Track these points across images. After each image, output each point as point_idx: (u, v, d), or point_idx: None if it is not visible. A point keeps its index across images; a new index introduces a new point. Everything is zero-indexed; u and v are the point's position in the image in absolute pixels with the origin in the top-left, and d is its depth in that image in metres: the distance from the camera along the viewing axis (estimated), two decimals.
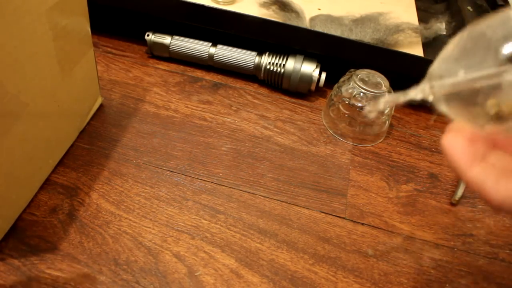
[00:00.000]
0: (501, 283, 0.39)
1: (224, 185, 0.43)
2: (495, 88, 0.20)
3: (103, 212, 0.38)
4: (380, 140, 0.51)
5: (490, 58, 0.21)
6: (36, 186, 0.39)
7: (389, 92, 0.48)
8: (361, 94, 0.48)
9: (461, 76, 0.21)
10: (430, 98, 0.22)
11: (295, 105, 0.54)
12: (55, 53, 0.36)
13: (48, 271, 0.34)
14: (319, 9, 0.60)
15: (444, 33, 0.61)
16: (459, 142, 0.22)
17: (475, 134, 0.22)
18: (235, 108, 0.52)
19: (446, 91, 0.22)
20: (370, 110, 0.25)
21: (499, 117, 0.21)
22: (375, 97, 0.48)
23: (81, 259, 0.35)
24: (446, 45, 0.23)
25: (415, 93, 0.23)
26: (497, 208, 0.20)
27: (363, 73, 0.49)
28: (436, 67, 0.22)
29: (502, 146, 0.23)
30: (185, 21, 0.54)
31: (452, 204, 0.45)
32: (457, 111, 0.22)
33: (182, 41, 0.55)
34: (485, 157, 0.22)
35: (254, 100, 0.54)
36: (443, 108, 0.22)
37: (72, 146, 0.44)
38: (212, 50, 0.55)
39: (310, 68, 0.52)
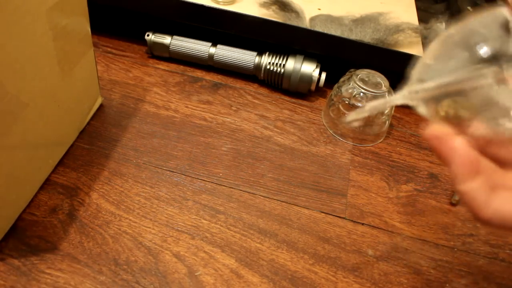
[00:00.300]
0: (501, 283, 0.39)
1: (224, 185, 0.43)
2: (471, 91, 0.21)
3: (103, 212, 0.38)
4: (380, 140, 0.51)
5: (467, 61, 0.21)
6: (36, 186, 0.39)
7: (389, 92, 0.48)
8: (361, 94, 0.48)
9: (441, 80, 0.21)
10: (412, 103, 0.22)
11: (295, 105, 0.54)
12: (55, 53, 0.36)
13: (48, 271, 0.34)
14: (319, 9, 0.60)
15: None
16: (463, 149, 0.21)
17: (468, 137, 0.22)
18: (235, 108, 0.52)
19: (426, 95, 0.22)
20: (353, 119, 0.24)
21: (445, 118, 0.22)
22: (375, 97, 0.48)
23: (81, 259, 0.35)
24: (427, 48, 0.23)
25: (397, 99, 0.23)
26: (484, 223, 0.20)
27: (363, 73, 0.49)
28: (416, 72, 0.23)
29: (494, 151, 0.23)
30: (185, 21, 0.54)
31: (452, 204, 0.45)
32: (433, 113, 0.23)
33: (182, 41, 0.55)
34: (479, 168, 0.22)
35: (254, 100, 0.54)
36: (422, 110, 0.23)
37: (72, 146, 0.44)
38: (212, 50, 0.55)
39: (310, 68, 0.52)
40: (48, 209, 0.38)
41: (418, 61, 0.23)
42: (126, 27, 0.60)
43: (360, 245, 0.39)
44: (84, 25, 0.40)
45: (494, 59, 0.20)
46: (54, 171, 0.41)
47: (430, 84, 0.22)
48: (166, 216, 0.39)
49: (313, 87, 0.53)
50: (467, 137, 0.22)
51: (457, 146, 0.21)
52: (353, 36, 0.54)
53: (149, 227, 0.38)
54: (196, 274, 0.35)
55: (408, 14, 0.61)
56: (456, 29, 0.23)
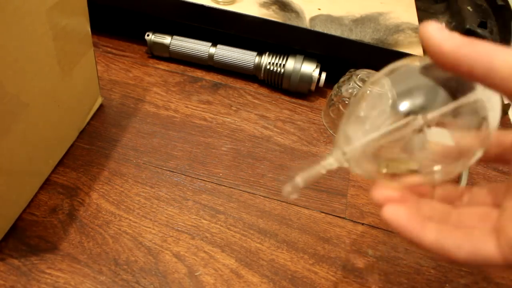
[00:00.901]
0: (501, 283, 0.39)
1: (224, 185, 0.43)
2: (397, 144, 0.21)
3: (103, 212, 0.38)
4: None
5: (389, 115, 0.21)
6: (36, 186, 0.39)
7: (390, 92, 0.48)
8: None
9: (368, 136, 0.21)
10: (346, 165, 0.22)
11: (295, 105, 0.54)
12: (55, 53, 0.36)
13: (48, 271, 0.34)
14: (319, 9, 0.60)
15: None
16: (401, 211, 0.21)
17: (402, 190, 0.22)
18: (235, 108, 0.52)
19: (357, 154, 0.22)
20: (290, 192, 0.23)
21: (390, 175, 0.22)
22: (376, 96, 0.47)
23: (81, 259, 0.35)
24: (348, 108, 0.23)
25: (330, 163, 0.22)
26: (463, 265, 0.20)
27: (363, 73, 0.49)
28: (342, 133, 0.23)
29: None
30: (185, 21, 0.54)
31: None
32: (369, 172, 0.22)
33: (182, 41, 0.55)
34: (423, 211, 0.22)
35: (254, 100, 0.54)
36: (357, 171, 0.23)
37: (72, 146, 0.44)
38: (212, 50, 0.55)
39: (310, 68, 0.52)
40: (48, 209, 0.38)
41: (341, 123, 0.23)
42: (126, 27, 0.60)
43: (360, 245, 0.39)
44: (84, 25, 0.40)
45: (416, 109, 0.20)
46: (54, 171, 0.41)
47: (356, 143, 0.22)
48: (166, 216, 0.39)
49: (313, 87, 0.53)
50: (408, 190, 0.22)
51: (394, 211, 0.21)
52: (353, 36, 0.54)
53: (149, 227, 0.38)
54: (196, 274, 0.35)
55: (408, 14, 0.61)
56: (372, 86, 0.23)
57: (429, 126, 0.20)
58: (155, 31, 0.56)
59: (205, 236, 0.38)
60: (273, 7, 0.56)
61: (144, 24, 0.57)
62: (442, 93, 0.20)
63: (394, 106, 0.21)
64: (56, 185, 0.40)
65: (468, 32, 0.57)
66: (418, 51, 0.55)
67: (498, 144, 0.23)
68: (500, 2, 0.61)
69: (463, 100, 0.20)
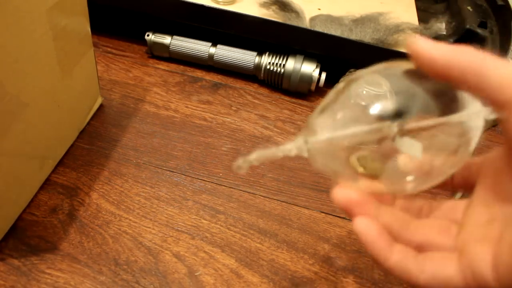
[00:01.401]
0: None
1: (224, 185, 0.43)
2: (365, 146, 0.20)
3: (103, 212, 0.38)
4: None
5: (362, 115, 0.20)
6: (36, 186, 0.39)
7: (390, 92, 0.48)
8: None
9: (336, 133, 0.20)
10: (305, 154, 0.21)
11: (295, 105, 0.54)
12: (55, 53, 0.36)
13: (48, 271, 0.34)
14: (319, 9, 0.60)
15: (444, 33, 0.61)
16: (372, 227, 0.20)
17: (364, 195, 0.21)
18: (235, 108, 0.52)
19: (320, 147, 0.21)
20: (240, 166, 0.22)
21: (364, 175, 0.21)
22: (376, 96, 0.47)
23: (81, 259, 0.35)
24: (325, 97, 0.22)
25: (289, 149, 0.21)
26: None
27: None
28: (312, 121, 0.22)
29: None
30: (185, 21, 0.54)
31: None
32: (330, 169, 0.22)
33: (182, 41, 0.55)
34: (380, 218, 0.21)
35: (254, 100, 0.54)
36: (317, 165, 0.22)
37: (72, 146, 0.44)
38: (212, 50, 0.55)
39: (310, 68, 0.52)
40: (48, 209, 0.38)
41: (315, 111, 0.22)
42: (126, 27, 0.60)
43: (360, 245, 0.39)
44: (84, 25, 0.40)
45: (393, 115, 0.20)
46: (54, 171, 0.41)
47: (321, 136, 0.21)
48: (166, 216, 0.39)
49: (313, 87, 0.53)
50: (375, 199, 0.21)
51: (367, 225, 0.20)
52: (353, 36, 0.54)
53: (149, 227, 0.38)
54: (196, 274, 0.35)
55: (408, 14, 0.61)
56: (352, 82, 0.22)
57: (404, 135, 0.19)
58: (155, 31, 0.56)
59: (205, 236, 0.38)
60: (273, 7, 0.56)
61: (144, 24, 0.57)
62: (425, 103, 0.20)
63: (372, 108, 0.20)
64: (56, 185, 0.40)
65: (468, 32, 0.57)
66: None
67: (465, 168, 0.23)
68: (500, 2, 0.60)
69: (447, 119, 0.19)
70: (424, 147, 0.20)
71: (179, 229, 0.38)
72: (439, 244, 0.21)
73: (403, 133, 0.19)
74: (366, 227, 0.20)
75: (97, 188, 0.40)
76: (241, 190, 0.42)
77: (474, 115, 0.19)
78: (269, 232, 0.39)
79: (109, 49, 0.58)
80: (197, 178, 0.43)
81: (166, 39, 0.55)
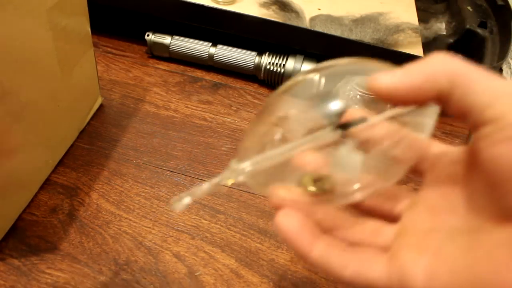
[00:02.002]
0: None
1: (224, 185, 0.43)
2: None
3: (103, 212, 0.38)
4: None
5: (302, 124, 0.19)
6: (36, 186, 0.39)
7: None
8: (358, 96, 0.48)
9: (267, 153, 0.19)
10: (240, 179, 0.20)
11: None
12: (55, 53, 0.36)
13: (48, 271, 0.34)
14: (319, 9, 0.60)
15: (444, 33, 0.61)
16: (294, 220, 0.19)
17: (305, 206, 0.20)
18: (235, 108, 0.52)
19: (254, 170, 0.20)
20: (175, 207, 0.20)
21: (314, 194, 0.19)
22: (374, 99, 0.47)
23: (81, 259, 0.35)
24: (259, 112, 0.21)
25: (225, 178, 0.20)
26: (349, 284, 0.19)
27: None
28: (243, 144, 0.21)
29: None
30: (185, 21, 0.54)
31: None
32: (270, 189, 0.20)
33: (182, 41, 0.55)
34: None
35: (254, 100, 0.54)
36: (256, 188, 0.21)
37: (72, 146, 0.44)
38: (212, 50, 0.55)
39: (310, 68, 0.52)
40: (48, 209, 0.38)
41: (245, 136, 0.21)
42: (126, 27, 0.60)
43: None
44: (84, 25, 0.40)
45: (333, 118, 0.19)
46: (54, 171, 0.41)
47: (257, 158, 0.19)
48: (166, 216, 0.39)
49: None
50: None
51: (287, 218, 0.19)
52: (353, 36, 0.54)
53: (149, 227, 0.38)
54: (196, 274, 0.35)
55: (408, 14, 0.61)
56: (293, 85, 0.21)
57: (347, 140, 0.18)
58: (155, 31, 0.56)
59: (205, 236, 0.38)
60: (273, 7, 0.56)
61: (144, 24, 0.57)
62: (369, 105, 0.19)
63: (311, 112, 0.19)
64: (56, 185, 0.40)
65: (468, 32, 0.57)
66: (418, 51, 0.55)
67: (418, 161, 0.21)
68: (500, 2, 0.61)
69: (389, 113, 0.18)
70: (366, 155, 0.19)
71: (179, 229, 0.38)
72: (371, 244, 0.20)
73: (344, 139, 0.18)
74: (286, 220, 0.19)
75: (97, 188, 0.40)
76: (241, 190, 0.42)
77: (420, 111, 0.18)
78: (269, 232, 0.39)
79: (109, 49, 0.58)
80: (197, 178, 0.43)
81: (166, 39, 0.55)
